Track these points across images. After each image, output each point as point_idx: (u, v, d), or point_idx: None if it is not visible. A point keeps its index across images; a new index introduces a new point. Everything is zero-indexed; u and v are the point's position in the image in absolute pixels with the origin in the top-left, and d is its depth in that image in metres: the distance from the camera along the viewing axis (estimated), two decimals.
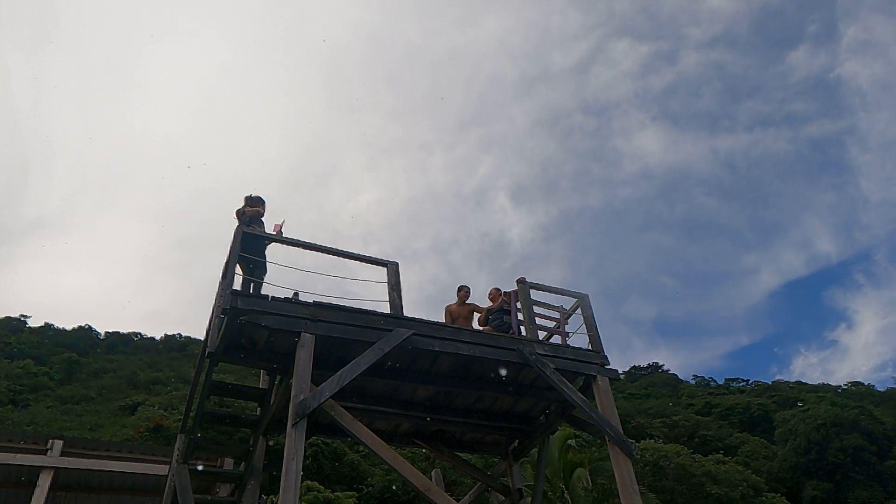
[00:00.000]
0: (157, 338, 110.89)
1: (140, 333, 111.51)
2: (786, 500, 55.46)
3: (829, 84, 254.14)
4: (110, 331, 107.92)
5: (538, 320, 9.08)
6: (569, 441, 24.24)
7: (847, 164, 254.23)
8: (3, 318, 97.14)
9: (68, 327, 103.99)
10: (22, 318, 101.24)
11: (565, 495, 23.26)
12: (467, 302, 10.02)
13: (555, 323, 9.40)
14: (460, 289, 10.18)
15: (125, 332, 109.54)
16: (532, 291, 9.32)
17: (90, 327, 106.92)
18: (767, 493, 55.38)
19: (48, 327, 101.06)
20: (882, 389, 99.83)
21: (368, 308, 7.82)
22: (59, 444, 9.48)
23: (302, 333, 7.09)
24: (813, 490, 62.48)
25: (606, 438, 8.04)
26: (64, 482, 9.94)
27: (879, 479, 63.11)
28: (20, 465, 9.19)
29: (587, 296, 9.38)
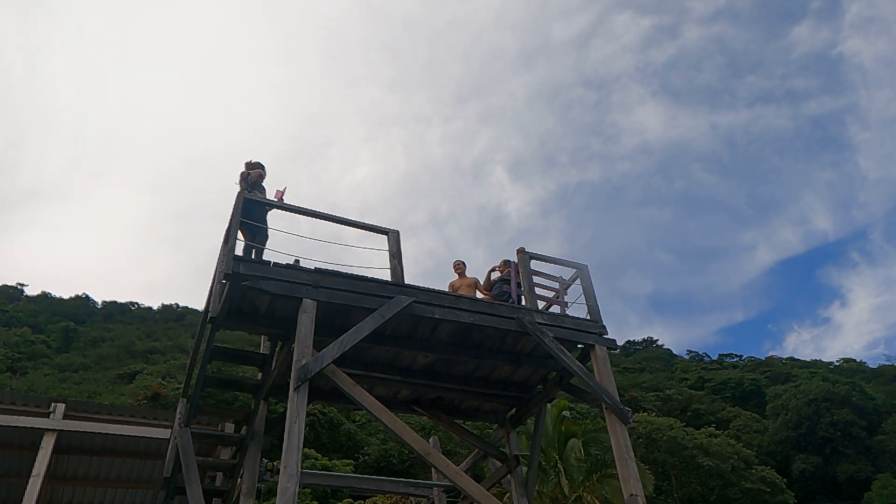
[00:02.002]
0: (155, 307, 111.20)
1: (137, 303, 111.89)
2: (775, 473, 56.37)
3: (831, 60, 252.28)
4: (107, 300, 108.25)
5: (538, 290, 9.14)
6: (563, 412, 24.54)
7: (846, 142, 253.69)
8: (0, 287, 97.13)
9: (65, 296, 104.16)
10: (19, 287, 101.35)
11: (559, 465, 23.58)
12: (467, 274, 10.07)
13: (554, 293, 9.46)
14: (456, 265, 10.25)
15: (122, 301, 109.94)
16: (532, 262, 9.36)
17: (87, 296, 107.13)
18: (757, 466, 56.26)
19: (45, 296, 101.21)
20: (874, 366, 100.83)
21: (369, 276, 7.88)
22: (61, 407, 9.57)
23: (304, 299, 7.14)
24: (802, 463, 63.51)
25: (603, 406, 8.14)
26: (66, 445, 10.06)
27: (868, 453, 64.09)
28: (23, 427, 9.29)
29: (586, 266, 9.43)
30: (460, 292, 9.61)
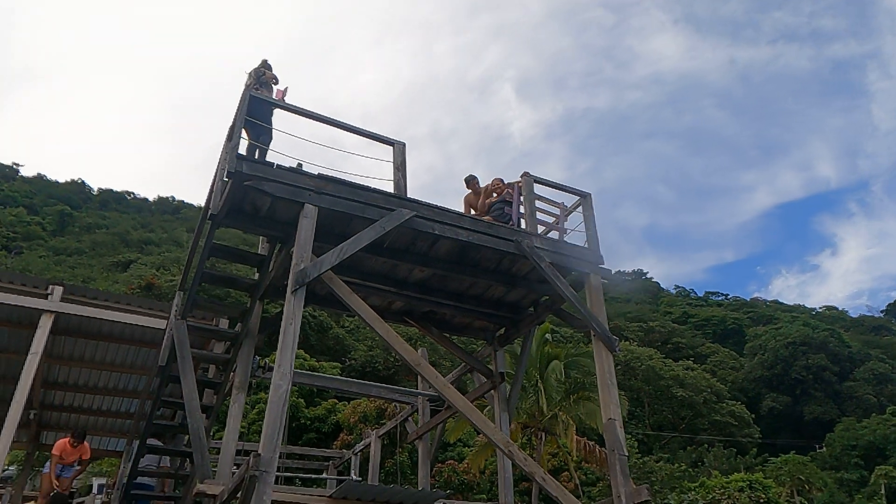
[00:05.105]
0: (151, 199, 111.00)
1: (133, 193, 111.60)
2: (745, 409, 58.64)
3: (862, 1, 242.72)
4: (103, 187, 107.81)
5: (539, 215, 9.13)
6: (546, 335, 25.16)
7: (863, 89, 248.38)
8: None
9: (61, 180, 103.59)
10: (14, 167, 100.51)
11: (539, 384, 24.39)
12: (480, 188, 9.89)
13: (554, 218, 9.46)
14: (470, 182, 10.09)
15: (118, 189, 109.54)
16: (535, 186, 9.30)
17: (83, 182, 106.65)
18: (728, 401, 58.39)
19: (41, 178, 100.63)
20: (855, 315, 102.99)
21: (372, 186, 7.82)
22: (59, 290, 9.67)
23: (305, 204, 7.13)
24: (772, 402, 65.97)
25: (592, 333, 8.32)
26: (64, 327, 10.25)
27: (836, 397, 66.50)
28: (22, 306, 9.44)
29: (590, 195, 9.40)
30: (480, 205, 9.51)
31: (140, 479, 9.66)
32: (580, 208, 9.42)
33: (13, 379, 9.62)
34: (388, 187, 8.02)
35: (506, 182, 9.76)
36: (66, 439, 10.48)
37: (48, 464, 10.57)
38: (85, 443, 10.73)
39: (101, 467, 25.90)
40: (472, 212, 9.73)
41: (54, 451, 10.34)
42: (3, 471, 14.44)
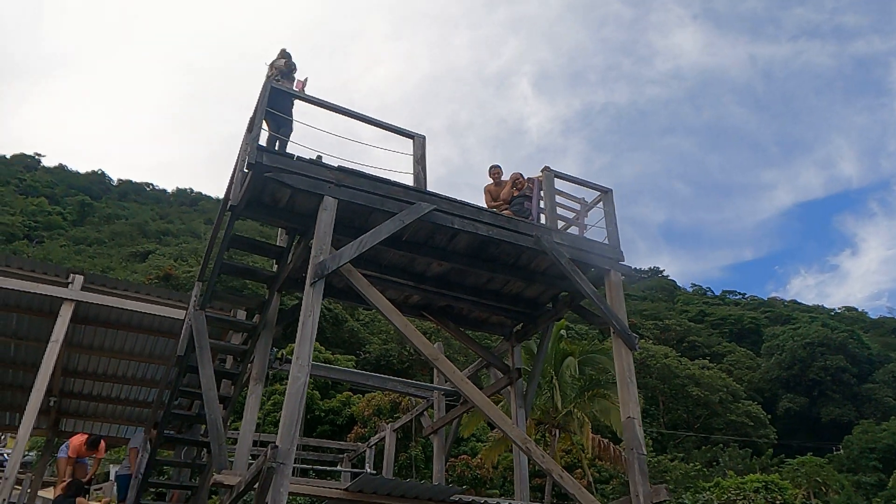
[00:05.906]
0: (169, 190, 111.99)
1: (152, 184, 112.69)
2: (761, 409, 58.05)
3: None
4: (123, 178, 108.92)
5: (559, 210, 9.04)
6: (561, 331, 25.02)
7: (888, 87, 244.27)
8: (17, 155, 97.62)
9: (81, 170, 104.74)
10: (36, 157, 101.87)
11: (554, 381, 24.28)
12: (503, 179, 9.82)
13: (575, 214, 9.38)
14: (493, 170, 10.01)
15: (137, 181, 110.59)
16: (556, 181, 9.22)
17: (103, 173, 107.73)
18: (744, 401, 57.85)
19: (62, 168, 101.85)
20: (874, 317, 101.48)
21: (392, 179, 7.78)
22: (79, 278, 9.74)
23: (325, 196, 7.11)
24: (789, 402, 65.23)
25: (611, 330, 8.24)
26: (84, 315, 10.32)
27: (855, 399, 65.61)
28: (43, 294, 9.52)
29: (611, 191, 9.30)
30: (503, 196, 9.43)
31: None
32: (600, 204, 9.33)
33: (34, 366, 9.72)
34: (408, 180, 7.99)
35: (526, 177, 9.69)
36: (83, 440, 10.57)
37: (63, 448, 10.70)
38: (101, 443, 10.85)
39: (119, 456, 26.19)
40: (492, 201, 9.66)
41: (70, 453, 10.43)
42: (24, 456, 14.63)
